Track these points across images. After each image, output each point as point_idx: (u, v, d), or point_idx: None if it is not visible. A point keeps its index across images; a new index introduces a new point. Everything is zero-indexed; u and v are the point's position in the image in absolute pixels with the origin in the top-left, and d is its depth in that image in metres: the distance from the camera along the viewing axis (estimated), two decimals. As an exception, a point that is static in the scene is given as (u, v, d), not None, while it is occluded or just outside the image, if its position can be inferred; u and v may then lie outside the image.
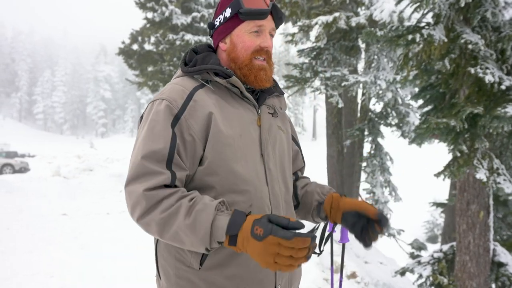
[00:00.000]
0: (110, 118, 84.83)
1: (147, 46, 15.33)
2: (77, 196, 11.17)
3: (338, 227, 1.77)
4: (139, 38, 14.99)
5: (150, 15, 14.75)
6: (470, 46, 3.45)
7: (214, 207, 1.26)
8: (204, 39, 14.29)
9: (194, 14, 14.59)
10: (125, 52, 14.74)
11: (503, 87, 3.38)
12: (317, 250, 1.67)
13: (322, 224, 1.73)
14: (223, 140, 1.38)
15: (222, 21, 1.49)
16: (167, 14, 14.19)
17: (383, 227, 1.47)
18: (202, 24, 15.25)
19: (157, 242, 1.52)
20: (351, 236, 1.67)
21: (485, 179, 3.53)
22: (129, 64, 14.94)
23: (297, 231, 1.20)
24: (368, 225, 1.48)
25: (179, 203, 1.28)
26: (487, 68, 3.43)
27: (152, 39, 14.86)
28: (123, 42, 14.79)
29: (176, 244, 1.32)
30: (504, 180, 3.56)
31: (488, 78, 3.29)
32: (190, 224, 1.24)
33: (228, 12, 1.46)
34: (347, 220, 1.54)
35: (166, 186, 1.31)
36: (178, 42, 13.93)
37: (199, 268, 1.38)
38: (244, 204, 1.39)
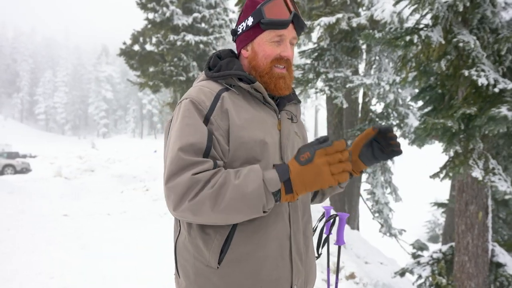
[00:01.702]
0: (112, 119, 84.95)
1: (148, 47, 15.38)
2: (78, 196, 11.21)
3: (334, 230, 1.80)
4: (140, 39, 15.03)
5: (151, 15, 14.79)
6: (461, 45, 3.47)
7: (258, 167, 1.33)
8: (204, 39, 14.32)
9: (195, 14, 14.62)
10: (126, 53, 14.78)
11: (496, 89, 3.40)
12: (316, 254, 1.71)
13: (320, 225, 1.76)
14: (245, 143, 1.42)
15: (244, 28, 1.53)
16: (168, 14, 14.23)
17: (388, 131, 1.52)
18: (203, 25, 15.28)
19: (176, 241, 1.57)
20: (346, 238, 1.70)
21: (480, 178, 3.55)
22: (130, 65, 14.98)
23: None
24: (380, 143, 1.56)
25: (225, 173, 1.32)
26: (482, 70, 3.44)
27: (153, 39, 14.91)
28: (124, 43, 14.83)
29: (232, 214, 1.32)
30: (499, 179, 3.58)
31: (481, 81, 3.31)
32: (241, 184, 1.29)
33: (250, 21, 1.50)
34: (366, 160, 1.61)
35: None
36: (179, 43, 13.97)
37: (217, 267, 1.42)
38: None
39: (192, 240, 1.47)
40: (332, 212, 1.71)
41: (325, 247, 1.78)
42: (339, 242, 1.78)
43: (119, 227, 7.71)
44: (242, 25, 1.54)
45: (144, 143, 61.51)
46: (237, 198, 1.29)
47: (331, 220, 1.77)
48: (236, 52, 1.65)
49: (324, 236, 1.76)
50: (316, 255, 1.72)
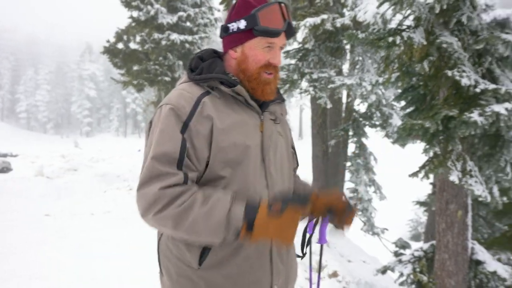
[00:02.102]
0: (95, 117, 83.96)
1: (133, 45, 15.24)
2: (60, 196, 11.06)
3: (317, 229, 1.83)
4: (124, 37, 14.89)
5: (135, 13, 14.65)
6: (444, 45, 3.54)
7: (230, 196, 1.35)
8: (190, 38, 14.26)
9: (180, 13, 14.54)
10: (110, 51, 14.63)
11: (477, 90, 3.48)
12: (299, 253, 1.74)
13: (303, 227, 1.79)
14: (226, 146, 1.43)
15: (235, 30, 1.52)
16: (152, 13, 14.13)
17: (348, 217, 1.61)
18: (188, 24, 15.21)
19: (159, 240, 1.59)
20: (330, 237, 1.73)
21: (457, 181, 3.63)
22: (114, 63, 14.84)
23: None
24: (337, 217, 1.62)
25: (194, 196, 1.34)
26: (463, 71, 3.51)
27: (138, 38, 14.78)
28: (108, 41, 14.68)
29: (191, 237, 1.36)
30: (476, 182, 3.65)
31: (464, 81, 3.38)
32: (206, 212, 1.31)
33: (243, 24, 1.50)
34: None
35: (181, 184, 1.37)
36: (163, 42, 13.88)
37: (198, 268, 1.44)
38: None
39: (174, 241, 1.49)
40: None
41: (308, 246, 1.80)
42: (322, 241, 1.81)
43: (103, 227, 7.64)
44: (233, 25, 1.53)
45: (128, 142, 60.99)
46: (199, 224, 1.31)
47: (314, 220, 1.80)
48: (218, 50, 1.65)
49: (308, 235, 1.78)
50: (301, 254, 1.74)
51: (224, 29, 1.57)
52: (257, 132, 1.54)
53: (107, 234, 7.04)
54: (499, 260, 6.17)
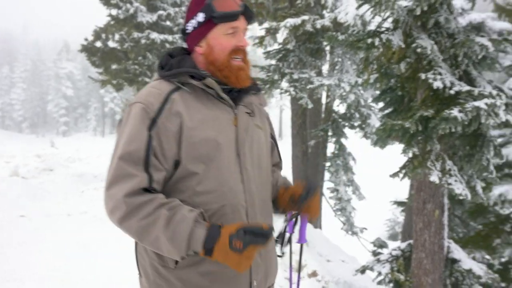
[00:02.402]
0: (72, 116, 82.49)
1: (111, 44, 15.04)
2: (36, 197, 10.81)
3: (297, 229, 1.83)
4: (103, 35, 14.68)
5: (114, 12, 14.46)
6: (419, 50, 3.60)
7: (193, 219, 1.34)
8: (170, 38, 14.15)
9: (160, 12, 14.42)
10: (88, 49, 14.40)
11: (452, 91, 3.56)
12: (279, 253, 1.74)
13: (282, 226, 1.79)
14: (197, 142, 1.42)
15: (195, 25, 1.52)
16: (132, 11, 13.97)
17: (307, 196, 1.65)
18: (168, 23, 15.09)
19: (136, 242, 1.57)
20: (309, 237, 1.74)
21: (437, 181, 3.69)
22: (92, 62, 14.62)
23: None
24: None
25: (158, 212, 1.34)
26: (439, 73, 3.58)
27: (116, 36, 14.58)
28: (86, 39, 14.45)
29: (153, 249, 1.40)
30: (455, 181, 3.73)
31: (436, 84, 3.46)
32: (168, 235, 1.32)
33: (201, 17, 1.50)
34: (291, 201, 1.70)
35: (144, 189, 1.36)
36: (143, 41, 13.74)
37: (174, 267, 1.44)
38: (217, 204, 1.45)
39: None
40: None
41: (288, 246, 1.80)
42: (301, 240, 1.81)
43: (80, 228, 7.52)
44: (192, 23, 1.53)
45: (106, 141, 60.07)
46: (161, 243, 1.33)
47: (294, 219, 1.80)
48: (189, 50, 1.64)
49: (287, 235, 1.79)
50: (280, 254, 1.74)
51: (183, 31, 1.58)
52: (231, 127, 1.52)
53: (84, 235, 6.93)
54: (473, 258, 6.31)
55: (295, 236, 1.80)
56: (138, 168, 1.36)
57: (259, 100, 1.73)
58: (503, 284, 7.10)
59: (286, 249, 1.77)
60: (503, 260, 7.71)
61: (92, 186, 12.37)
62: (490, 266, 7.32)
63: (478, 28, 4.21)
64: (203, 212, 1.39)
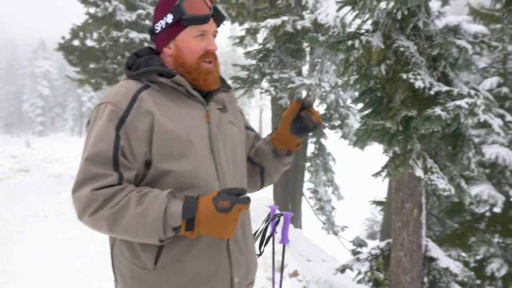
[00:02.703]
0: (49, 116, 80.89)
1: (89, 42, 14.79)
2: (11, 198, 10.56)
3: (279, 229, 1.83)
4: (81, 34, 14.44)
5: (92, 10, 14.23)
6: (401, 49, 3.67)
7: (165, 195, 1.31)
8: (149, 37, 14.02)
9: (140, 11, 14.26)
10: (65, 48, 14.14)
11: (432, 92, 3.64)
12: (257, 251, 1.73)
13: (263, 226, 1.78)
14: (169, 140, 1.40)
15: (164, 26, 1.50)
16: (110, 9, 13.77)
17: (310, 106, 1.62)
18: (147, 22, 14.93)
19: (112, 245, 1.53)
20: (291, 237, 1.74)
21: (422, 176, 3.77)
22: (69, 61, 14.35)
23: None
24: (303, 120, 1.62)
25: (128, 196, 1.31)
26: (419, 74, 3.65)
27: (95, 35, 14.37)
28: (63, 37, 14.19)
29: (128, 238, 1.35)
30: (437, 177, 3.81)
31: (418, 84, 3.53)
32: (141, 212, 1.28)
33: (170, 18, 1.48)
34: (298, 133, 1.66)
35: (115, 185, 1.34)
36: (122, 40, 13.56)
37: (154, 268, 1.41)
38: None
39: (128, 244, 1.45)
40: (277, 211, 1.74)
41: (270, 246, 1.81)
42: (284, 240, 1.82)
43: (57, 230, 7.38)
44: (160, 23, 1.51)
45: (83, 142, 59.18)
46: (134, 224, 1.29)
47: (276, 219, 1.80)
48: (156, 51, 1.62)
49: (268, 234, 1.79)
50: (258, 253, 1.74)
51: (151, 31, 1.55)
52: (203, 123, 1.51)
53: (62, 237, 6.81)
54: (449, 256, 6.45)
55: (278, 236, 1.80)
56: (107, 168, 1.34)
57: (229, 97, 1.72)
58: (478, 282, 7.29)
59: (266, 248, 1.77)
60: (478, 257, 7.92)
61: (69, 187, 12.06)
62: (465, 263, 7.50)
63: (454, 30, 4.32)
64: (173, 192, 1.36)
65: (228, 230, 1.31)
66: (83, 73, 14.55)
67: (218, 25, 1.56)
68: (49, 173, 14.87)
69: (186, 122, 1.46)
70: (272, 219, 1.78)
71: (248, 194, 1.59)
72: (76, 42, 14.49)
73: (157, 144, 1.39)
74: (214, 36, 1.55)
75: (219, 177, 1.50)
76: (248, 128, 1.84)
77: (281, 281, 1.82)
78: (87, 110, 71.12)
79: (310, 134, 1.88)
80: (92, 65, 14.34)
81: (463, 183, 4.39)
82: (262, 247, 1.73)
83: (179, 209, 1.29)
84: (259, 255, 1.73)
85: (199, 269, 1.43)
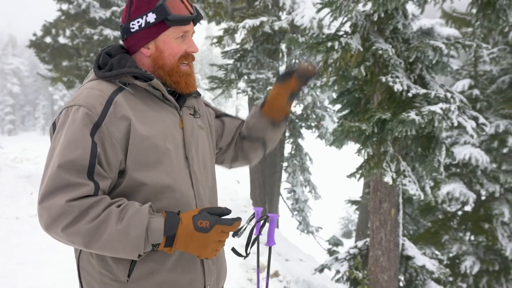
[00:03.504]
0: (19, 115, 78.78)
1: (62, 40, 14.47)
2: (-20, 199, 10.24)
3: (265, 231, 1.83)
4: (53, 31, 14.10)
5: (65, 6, 13.93)
6: (380, 52, 3.73)
7: (147, 210, 1.26)
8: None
9: (114, 8, 14.03)
10: (37, 45, 13.79)
11: (410, 94, 3.71)
12: (243, 253, 1.72)
13: (249, 227, 1.78)
14: (145, 147, 1.35)
15: (143, 25, 1.42)
16: (84, 6, 13.50)
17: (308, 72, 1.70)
18: (122, 19, 14.73)
19: (79, 256, 1.45)
20: (277, 237, 1.75)
21: (391, 182, 3.83)
22: (41, 58, 14.01)
23: (228, 216, 1.33)
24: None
25: (107, 210, 1.24)
26: (397, 77, 3.72)
27: (67, 32, 14.06)
28: (34, 34, 13.83)
29: (106, 253, 1.28)
30: (409, 181, 3.89)
31: (397, 87, 3.59)
32: (123, 230, 1.22)
33: (152, 18, 1.41)
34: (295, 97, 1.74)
35: (90, 196, 1.26)
36: (96, 37, 13.31)
37: (127, 281, 1.34)
38: (171, 209, 1.38)
39: (98, 255, 1.37)
40: (262, 213, 1.74)
41: (255, 248, 1.80)
42: (270, 242, 1.82)
43: (30, 232, 7.18)
44: (139, 22, 1.43)
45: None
46: (115, 241, 1.23)
47: (262, 221, 1.80)
48: (129, 50, 1.53)
49: (254, 236, 1.79)
50: (244, 254, 1.73)
51: (126, 30, 1.46)
52: (177, 129, 1.47)
53: (35, 239, 6.63)
54: (424, 254, 6.60)
55: (263, 238, 1.80)
56: (82, 177, 1.25)
57: (198, 104, 1.66)
58: (451, 278, 7.48)
59: (251, 250, 1.76)
60: (451, 255, 8.13)
61: (41, 188, 11.84)
62: (439, 261, 7.69)
63: (428, 33, 4.42)
64: (151, 205, 1.30)
65: (206, 250, 1.28)
66: (55, 71, 14.22)
67: (195, 25, 1.52)
68: (20, 173, 14.47)
69: (162, 129, 1.40)
70: (258, 221, 1.78)
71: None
72: (48, 39, 14.15)
73: (133, 152, 1.33)
74: (192, 36, 1.52)
75: (193, 185, 1.47)
76: (218, 116, 1.81)
77: (267, 283, 1.82)
78: (59, 108, 69.52)
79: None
80: (65, 63, 14.04)
81: (427, 187, 4.48)
82: (248, 249, 1.72)
83: (161, 226, 1.24)
84: (245, 257, 1.73)
85: (174, 280, 1.40)
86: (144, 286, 1.36)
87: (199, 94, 1.66)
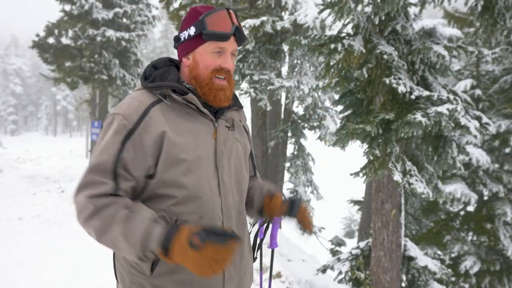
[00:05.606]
0: (22, 115, 78.97)
1: (65, 40, 14.52)
2: (-16, 200, 10.28)
3: (268, 234, 1.86)
4: (56, 31, 14.15)
5: (67, 7, 13.97)
6: (385, 56, 3.73)
7: (150, 218, 1.34)
8: (126, 36, 13.84)
9: (117, 9, 14.08)
10: (40, 46, 13.84)
11: (413, 96, 3.72)
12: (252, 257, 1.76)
13: (255, 229, 1.81)
14: (176, 156, 1.43)
15: (186, 37, 1.54)
16: (86, 7, 13.56)
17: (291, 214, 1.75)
18: (124, 20, 14.75)
19: None
20: (279, 237, 1.78)
21: (400, 180, 3.84)
22: (44, 59, 14.06)
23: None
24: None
25: (119, 212, 1.34)
26: (400, 78, 3.73)
27: (70, 33, 14.10)
28: (37, 35, 13.88)
29: (114, 250, 1.41)
30: (416, 180, 3.89)
31: (401, 89, 3.60)
32: (124, 234, 1.31)
33: (192, 31, 1.52)
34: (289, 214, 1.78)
35: (110, 194, 1.37)
36: (99, 38, 13.36)
37: (150, 275, 1.45)
38: (195, 215, 1.47)
39: None
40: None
41: (259, 250, 1.83)
42: (273, 245, 1.84)
43: (32, 232, 7.22)
44: (184, 34, 1.55)
45: (58, 141, 57.98)
46: (118, 241, 1.33)
47: (265, 224, 1.83)
48: (174, 59, 1.67)
49: (259, 240, 1.81)
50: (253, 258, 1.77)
51: (176, 39, 1.59)
52: (210, 139, 1.54)
53: (36, 239, 6.67)
54: (426, 254, 6.60)
55: (266, 240, 1.82)
56: (104, 177, 1.37)
57: (239, 116, 1.74)
58: (453, 279, 7.48)
59: (257, 253, 1.80)
60: (453, 255, 8.12)
61: (44, 188, 11.90)
62: (441, 261, 7.68)
63: (429, 33, 4.42)
64: (165, 217, 1.42)
65: (201, 269, 1.26)
66: (58, 71, 14.27)
67: (239, 45, 1.59)
68: (22, 173, 14.52)
69: (194, 138, 1.48)
70: (262, 225, 1.80)
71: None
72: (51, 40, 14.19)
73: (164, 158, 1.42)
74: (233, 55, 1.57)
75: (221, 193, 1.53)
76: (250, 153, 1.84)
77: (270, 285, 1.84)
78: (62, 109, 69.68)
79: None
80: (67, 64, 14.09)
81: (440, 184, 4.50)
82: (255, 253, 1.77)
83: (157, 236, 1.29)
84: (254, 260, 1.77)
85: (193, 281, 1.47)
86: (165, 282, 1.46)
87: (241, 107, 1.74)
